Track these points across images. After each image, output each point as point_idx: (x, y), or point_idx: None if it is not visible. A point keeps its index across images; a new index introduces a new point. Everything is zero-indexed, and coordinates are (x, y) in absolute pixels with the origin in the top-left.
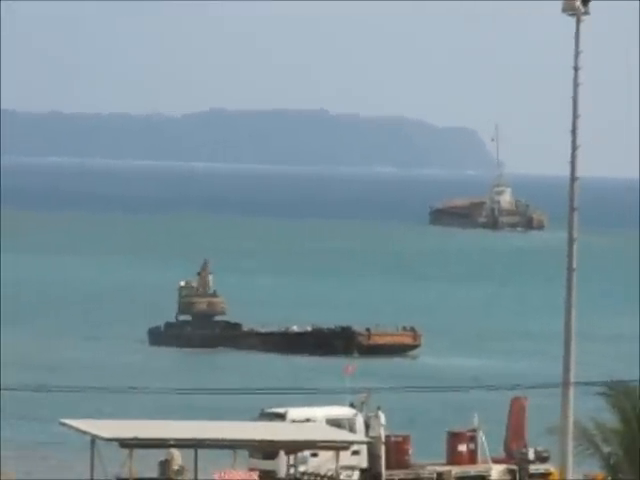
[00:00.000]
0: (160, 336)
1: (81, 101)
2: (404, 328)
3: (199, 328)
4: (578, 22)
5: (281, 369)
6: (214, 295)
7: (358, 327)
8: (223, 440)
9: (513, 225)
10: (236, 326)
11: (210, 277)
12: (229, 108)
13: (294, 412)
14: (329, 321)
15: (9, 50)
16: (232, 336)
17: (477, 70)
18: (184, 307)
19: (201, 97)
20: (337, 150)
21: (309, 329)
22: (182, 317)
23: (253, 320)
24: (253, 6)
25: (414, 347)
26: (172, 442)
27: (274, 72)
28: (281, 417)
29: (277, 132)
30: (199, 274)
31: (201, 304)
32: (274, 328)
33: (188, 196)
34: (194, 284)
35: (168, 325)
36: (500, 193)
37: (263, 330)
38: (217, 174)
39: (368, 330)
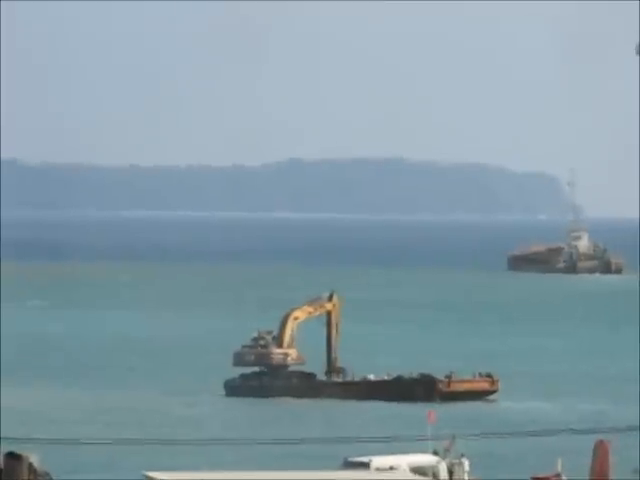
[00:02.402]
0: (237, 388)
1: (157, 154)
2: (480, 374)
3: (275, 379)
4: None
5: (361, 418)
6: (289, 347)
7: (438, 374)
8: None
9: (591, 270)
10: (311, 376)
11: (292, 326)
12: (307, 158)
13: (378, 461)
14: (406, 369)
15: (89, 104)
16: (310, 387)
17: (554, 114)
18: (257, 358)
19: (279, 147)
20: (416, 198)
21: (386, 378)
22: (257, 368)
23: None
24: (325, 56)
25: (492, 392)
26: None
27: (351, 121)
28: (365, 466)
29: (356, 181)
30: (283, 324)
31: (274, 355)
32: (349, 377)
33: (268, 247)
34: (266, 335)
35: (244, 376)
36: (577, 238)
37: (340, 380)
38: (297, 225)
39: (448, 377)
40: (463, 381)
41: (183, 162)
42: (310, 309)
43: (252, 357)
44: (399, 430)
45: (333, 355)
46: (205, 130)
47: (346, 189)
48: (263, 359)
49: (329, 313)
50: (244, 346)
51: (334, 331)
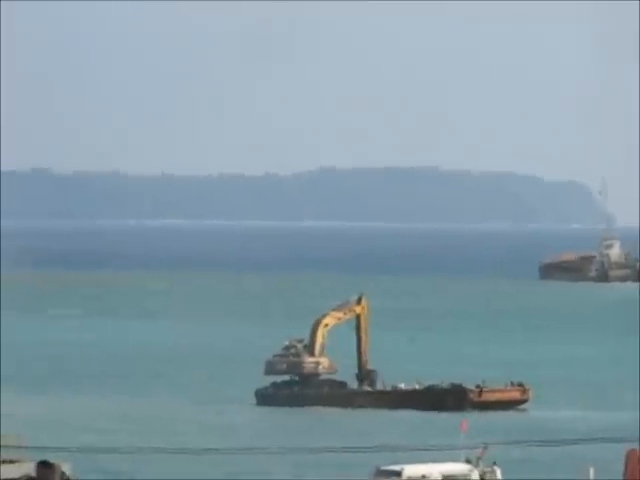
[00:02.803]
0: (268, 397)
1: (190, 164)
2: (512, 383)
3: (307, 388)
4: None
5: (393, 427)
6: (321, 355)
7: (469, 384)
8: None
9: (623, 278)
10: (342, 385)
11: (323, 334)
12: (339, 167)
13: (410, 469)
14: (437, 377)
15: (122, 113)
16: (341, 395)
17: (586, 123)
18: (289, 367)
19: (311, 156)
20: (448, 206)
21: (416, 387)
22: (289, 377)
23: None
24: (359, 65)
25: (523, 402)
26: None
27: (383, 130)
28: (397, 474)
29: (388, 190)
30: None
31: (305, 364)
32: (379, 381)
33: (298, 255)
34: (297, 344)
35: (275, 385)
36: (609, 247)
37: (370, 389)
38: (327, 233)
39: (479, 387)
40: (494, 391)
41: (215, 171)
42: (339, 314)
43: (284, 366)
44: (431, 439)
45: (364, 358)
46: (237, 139)
47: (378, 198)
48: (295, 368)
49: (358, 316)
50: (275, 355)
51: (364, 334)
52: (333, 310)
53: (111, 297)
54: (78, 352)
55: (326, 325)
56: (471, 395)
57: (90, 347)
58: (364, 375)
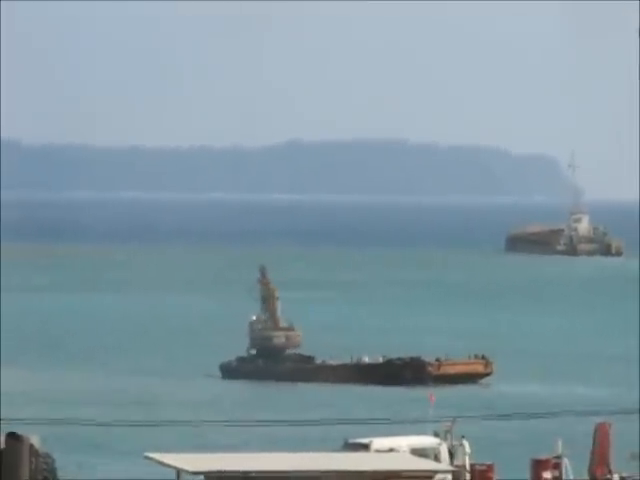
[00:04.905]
0: (233, 371)
1: (160, 135)
2: (475, 356)
3: (272, 362)
4: None
5: (359, 400)
6: (289, 329)
7: (428, 357)
8: (308, 472)
9: (591, 252)
10: (309, 359)
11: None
12: (307, 139)
13: (378, 442)
14: (403, 350)
15: (92, 85)
16: (305, 369)
17: (555, 96)
18: (257, 341)
19: (279, 129)
20: (416, 179)
21: (380, 360)
22: (254, 351)
23: (326, 350)
24: (326, 37)
25: (486, 375)
26: (256, 475)
27: (351, 102)
28: (365, 447)
29: (356, 162)
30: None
31: (275, 338)
32: (346, 360)
33: (268, 228)
34: (263, 317)
35: (240, 360)
36: (578, 220)
37: (335, 363)
38: (296, 206)
39: (438, 360)
40: (455, 363)
41: (185, 143)
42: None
43: (283, 340)
44: (398, 412)
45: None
46: (206, 111)
47: (346, 171)
48: (290, 342)
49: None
50: (264, 328)
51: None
52: (271, 283)
53: (80, 270)
54: (41, 324)
55: (278, 298)
56: (430, 368)
57: (59, 320)
58: None
